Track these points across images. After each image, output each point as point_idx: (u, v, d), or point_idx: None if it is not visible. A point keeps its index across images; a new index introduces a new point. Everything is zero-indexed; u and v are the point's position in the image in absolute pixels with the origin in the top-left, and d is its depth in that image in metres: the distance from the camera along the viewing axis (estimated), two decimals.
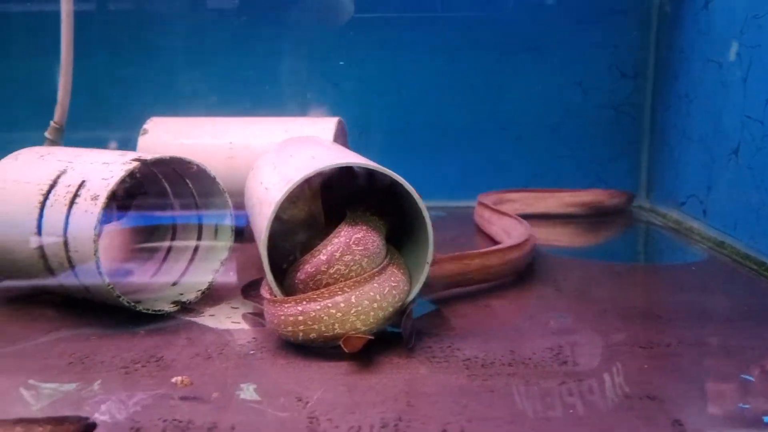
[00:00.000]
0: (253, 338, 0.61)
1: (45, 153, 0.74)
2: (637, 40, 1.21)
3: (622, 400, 0.49)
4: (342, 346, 0.55)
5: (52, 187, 0.65)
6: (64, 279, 0.64)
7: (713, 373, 0.55)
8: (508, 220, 0.90)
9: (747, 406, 0.48)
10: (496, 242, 0.89)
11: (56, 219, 0.63)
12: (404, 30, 1.20)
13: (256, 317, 0.65)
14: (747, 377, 0.53)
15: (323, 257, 0.59)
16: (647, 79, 1.22)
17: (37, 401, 0.48)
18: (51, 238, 0.63)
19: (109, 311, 0.65)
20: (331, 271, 0.59)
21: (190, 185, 0.74)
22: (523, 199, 1.12)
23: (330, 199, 0.68)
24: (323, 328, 0.56)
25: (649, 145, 1.23)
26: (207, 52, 1.20)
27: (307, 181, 0.61)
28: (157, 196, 0.75)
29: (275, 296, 0.60)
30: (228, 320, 0.66)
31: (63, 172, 0.66)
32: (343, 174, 0.66)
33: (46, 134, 0.93)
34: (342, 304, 0.56)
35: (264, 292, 0.61)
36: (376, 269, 0.59)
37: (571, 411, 0.47)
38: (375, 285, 0.57)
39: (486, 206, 0.99)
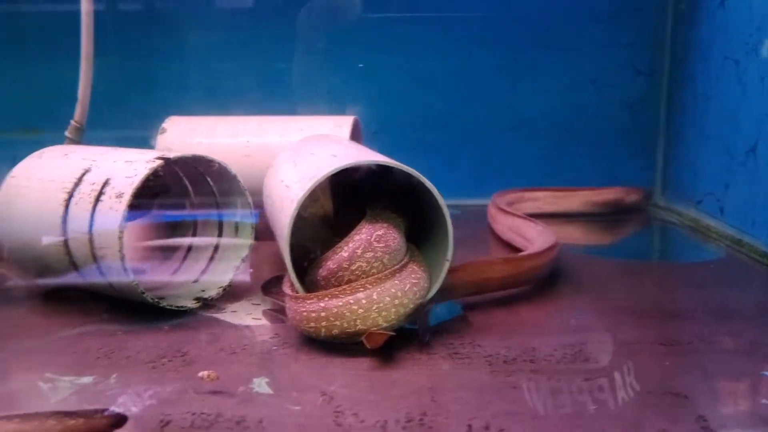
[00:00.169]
0: (275, 334, 0.61)
1: (68, 152, 0.75)
2: (653, 38, 1.21)
3: (646, 396, 0.49)
4: (364, 342, 0.56)
5: (76, 185, 0.66)
6: (89, 276, 0.65)
7: (734, 370, 0.55)
8: (530, 225, 0.89)
9: None
10: (516, 246, 0.88)
11: (81, 216, 0.64)
12: (418, 29, 1.21)
13: (277, 314, 0.66)
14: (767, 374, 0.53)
15: (345, 254, 0.60)
16: (662, 76, 1.22)
17: (67, 395, 0.49)
18: (76, 235, 0.64)
19: (131, 307, 0.66)
20: (353, 267, 0.59)
21: (211, 183, 0.75)
22: (546, 198, 1.11)
23: (347, 196, 0.69)
24: (345, 325, 0.56)
25: (665, 143, 1.23)
26: (223, 52, 1.21)
27: (327, 179, 0.61)
28: (178, 194, 0.76)
29: (297, 293, 0.60)
30: (249, 317, 0.66)
31: (87, 171, 0.67)
32: (361, 172, 0.67)
33: (67, 133, 0.95)
34: (364, 301, 0.56)
35: (286, 288, 0.62)
36: (397, 266, 0.59)
37: (594, 407, 0.47)
38: (396, 282, 0.58)
39: (510, 213, 0.96)
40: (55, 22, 1.14)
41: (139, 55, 1.19)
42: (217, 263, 0.74)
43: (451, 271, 0.62)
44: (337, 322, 0.56)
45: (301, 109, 1.15)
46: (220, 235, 0.76)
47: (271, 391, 0.50)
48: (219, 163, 0.71)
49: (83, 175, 0.67)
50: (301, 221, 0.63)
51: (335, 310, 0.56)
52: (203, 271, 0.74)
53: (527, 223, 0.89)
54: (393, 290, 0.57)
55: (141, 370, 0.53)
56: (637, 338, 0.60)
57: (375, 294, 0.57)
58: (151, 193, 0.72)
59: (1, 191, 0.72)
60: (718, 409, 0.48)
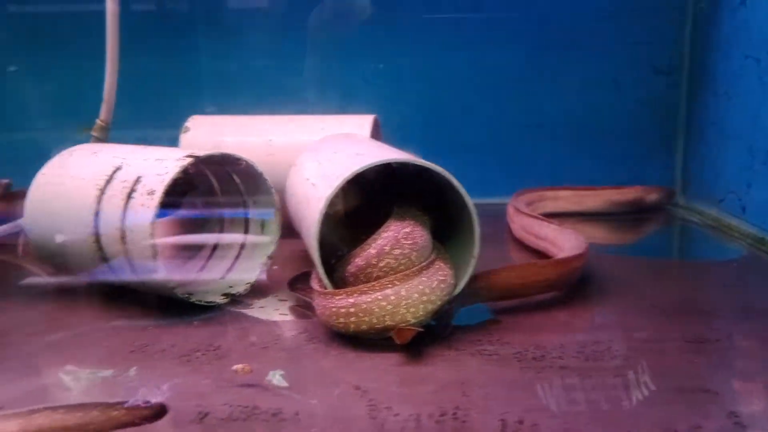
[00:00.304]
0: (304, 330, 0.62)
1: (97, 150, 0.76)
2: (672, 37, 1.20)
3: (676, 393, 0.49)
4: (393, 337, 0.56)
5: (108, 182, 0.67)
6: (119, 271, 0.66)
7: (761, 366, 0.55)
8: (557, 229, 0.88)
9: None
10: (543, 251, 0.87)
11: (113, 213, 0.65)
12: (437, 28, 1.21)
13: (304, 309, 0.66)
14: None
15: (373, 251, 0.60)
16: (682, 75, 1.21)
17: (106, 387, 0.50)
18: (108, 231, 0.65)
19: (160, 303, 0.67)
20: (381, 264, 0.60)
21: (237, 181, 0.76)
22: (569, 197, 1.11)
23: (371, 194, 0.69)
24: (374, 320, 0.57)
25: (685, 142, 1.23)
26: (245, 52, 1.22)
27: (351, 177, 0.62)
28: (205, 192, 0.77)
29: (326, 289, 0.61)
30: (276, 312, 0.67)
31: (118, 168, 0.68)
32: (383, 170, 0.67)
33: (93, 132, 0.96)
34: (392, 297, 0.57)
35: (314, 284, 0.62)
36: (425, 263, 0.60)
37: (625, 403, 0.48)
38: (424, 278, 0.58)
39: (535, 217, 0.95)
40: (80, 22, 1.16)
41: (162, 56, 1.21)
42: (244, 260, 0.75)
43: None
44: (366, 318, 0.57)
45: (321, 108, 1.16)
46: (246, 232, 0.76)
47: (304, 385, 0.51)
48: (246, 162, 0.71)
49: (114, 172, 0.68)
50: (326, 219, 0.63)
51: (364, 306, 0.57)
52: (230, 269, 0.75)
53: (541, 223, 0.89)
54: (421, 287, 0.58)
55: (175, 363, 0.54)
56: (664, 336, 0.60)
57: (403, 290, 0.57)
58: (179, 191, 0.73)
59: (32, 187, 0.73)
60: (748, 406, 0.48)
